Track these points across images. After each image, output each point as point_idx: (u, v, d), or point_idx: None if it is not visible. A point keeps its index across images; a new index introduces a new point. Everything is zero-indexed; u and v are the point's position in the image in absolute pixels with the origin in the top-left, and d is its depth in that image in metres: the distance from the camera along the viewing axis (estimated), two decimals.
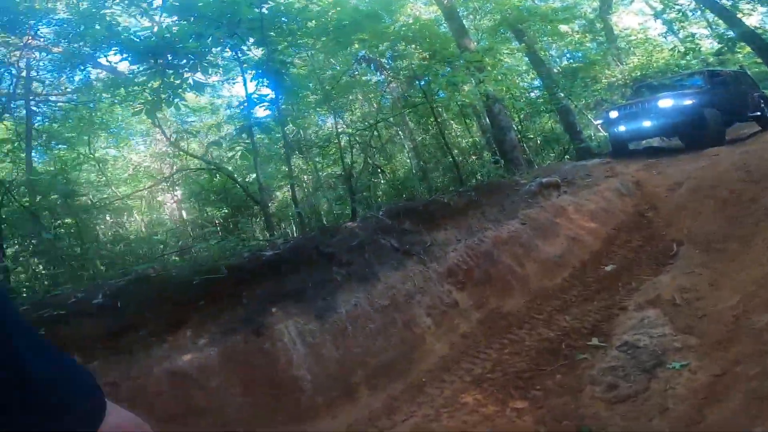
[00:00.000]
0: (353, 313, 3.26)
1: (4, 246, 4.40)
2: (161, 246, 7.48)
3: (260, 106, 6.09)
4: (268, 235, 5.94)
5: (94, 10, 5.91)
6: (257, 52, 5.78)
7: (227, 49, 5.68)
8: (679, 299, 4.01)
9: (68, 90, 8.61)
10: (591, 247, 6.66)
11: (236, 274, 2.90)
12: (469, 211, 6.04)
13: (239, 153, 6.65)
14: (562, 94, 8.27)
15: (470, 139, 10.17)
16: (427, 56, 6.36)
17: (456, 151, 9.81)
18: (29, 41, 6.64)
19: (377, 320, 3.37)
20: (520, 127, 9.28)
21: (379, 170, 10.11)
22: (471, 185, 6.39)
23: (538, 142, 10.00)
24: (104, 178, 10.90)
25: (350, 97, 9.29)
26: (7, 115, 7.06)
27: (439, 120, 7.33)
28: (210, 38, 5.05)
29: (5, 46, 6.61)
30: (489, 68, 6.64)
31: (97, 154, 10.50)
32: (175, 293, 2.64)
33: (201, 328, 2.58)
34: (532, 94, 9.62)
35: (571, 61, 9.77)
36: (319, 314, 3.06)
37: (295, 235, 6.54)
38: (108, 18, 5.78)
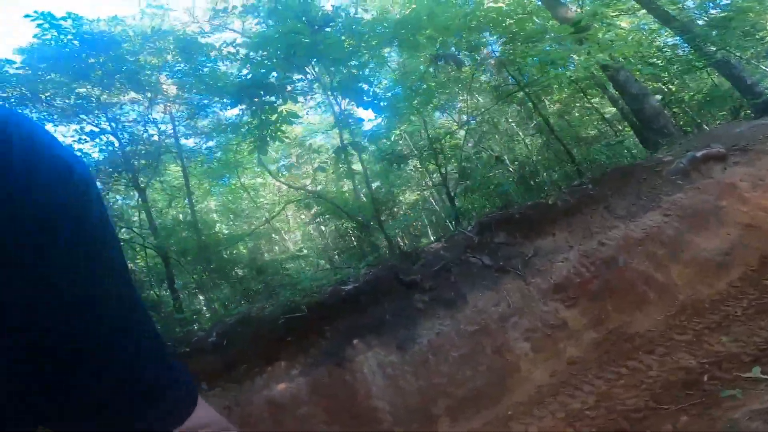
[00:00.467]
0: (435, 341, 3.52)
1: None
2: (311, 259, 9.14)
3: (349, 127, 6.81)
4: (371, 253, 6.56)
5: (197, 59, 7.51)
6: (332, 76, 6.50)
7: (306, 76, 6.56)
8: None
9: (202, 133, 10.98)
10: None
11: (318, 311, 3.47)
12: (585, 208, 5.61)
13: (342, 175, 7.49)
14: (714, 48, 6.88)
15: (596, 116, 9.15)
16: (507, 40, 6.10)
17: (571, 134, 9.06)
18: (156, 96, 8.78)
19: (462, 348, 3.55)
20: (668, 89, 8.01)
21: (500, 160, 10.01)
22: (589, 176, 5.92)
23: (701, 101, 8.41)
24: (254, 204, 13.84)
25: (448, 92, 9.44)
26: (166, 165, 9.46)
27: (538, 105, 6.90)
28: (286, 70, 5.93)
29: (138, 104, 8.88)
30: (594, 35, 6.00)
31: (247, 183, 13.33)
32: (269, 331, 3.34)
33: (294, 360, 3.21)
34: (679, 52, 8.20)
35: (718, 10, 8.05)
36: (400, 345, 3.42)
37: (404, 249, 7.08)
38: (206, 69, 7.29)
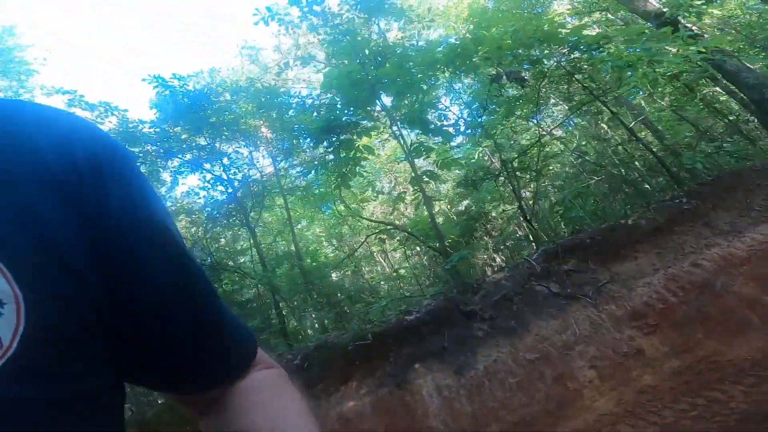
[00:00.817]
0: (492, 368, 3.94)
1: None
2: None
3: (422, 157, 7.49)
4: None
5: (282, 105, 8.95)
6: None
7: (372, 112, 7.44)
8: None
9: (298, 168, 12.69)
10: None
11: (383, 339, 4.12)
12: (678, 226, 5.41)
13: (419, 204, 8.19)
14: None
15: (715, 108, 8.39)
16: (570, 50, 6.08)
17: (685, 132, 8.47)
18: (255, 140, 10.52)
19: (519, 374, 3.91)
20: None
21: (601, 167, 9.74)
22: (687, 187, 5.71)
23: None
24: (351, 230, 15.36)
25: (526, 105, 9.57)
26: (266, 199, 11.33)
27: (616, 111, 6.66)
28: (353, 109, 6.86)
29: (242, 147, 10.68)
30: (666, 33, 5.74)
31: (342, 211, 14.94)
32: (342, 356, 4.09)
33: (363, 381, 3.91)
34: None
35: None
36: (458, 370, 3.91)
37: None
38: (291, 112, 8.65)
